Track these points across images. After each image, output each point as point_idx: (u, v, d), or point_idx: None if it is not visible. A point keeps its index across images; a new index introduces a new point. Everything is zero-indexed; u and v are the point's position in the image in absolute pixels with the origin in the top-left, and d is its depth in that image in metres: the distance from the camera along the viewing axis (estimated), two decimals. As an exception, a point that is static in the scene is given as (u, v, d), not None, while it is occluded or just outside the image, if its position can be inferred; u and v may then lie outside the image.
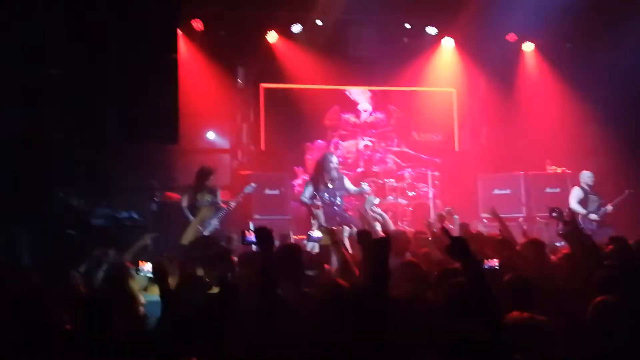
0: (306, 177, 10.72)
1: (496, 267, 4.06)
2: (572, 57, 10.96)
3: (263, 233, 3.32)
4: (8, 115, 8.20)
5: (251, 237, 3.59)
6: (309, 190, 7.86)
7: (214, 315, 2.94)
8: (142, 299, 4.22)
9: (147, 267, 3.95)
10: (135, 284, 4.28)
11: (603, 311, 3.14)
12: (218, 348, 2.86)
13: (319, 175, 7.88)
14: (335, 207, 7.78)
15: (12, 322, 2.97)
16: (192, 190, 7.94)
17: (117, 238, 7.57)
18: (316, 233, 4.10)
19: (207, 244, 5.29)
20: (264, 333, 2.93)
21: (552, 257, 4.93)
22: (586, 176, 9.07)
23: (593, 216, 8.84)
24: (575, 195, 9.02)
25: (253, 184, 8.24)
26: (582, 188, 9.04)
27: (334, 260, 4.29)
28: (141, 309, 4.10)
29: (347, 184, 8.07)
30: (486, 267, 4.11)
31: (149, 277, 4.04)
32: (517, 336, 2.85)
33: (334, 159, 8.00)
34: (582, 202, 8.94)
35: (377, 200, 8.03)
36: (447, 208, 7.76)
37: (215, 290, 4.16)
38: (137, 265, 4.06)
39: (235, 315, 3.04)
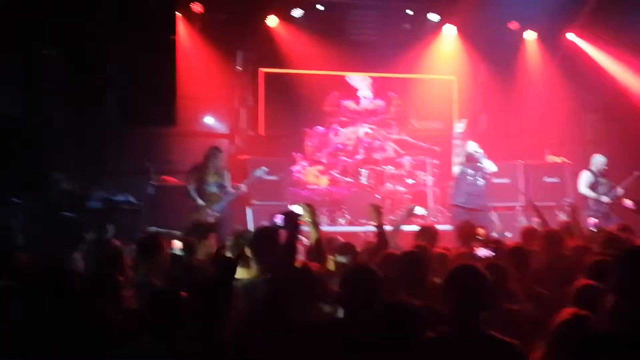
0: (305, 163, 10.67)
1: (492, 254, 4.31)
2: (573, 46, 10.88)
3: (292, 217, 3.77)
4: (6, 94, 8.15)
5: (279, 219, 3.89)
6: None
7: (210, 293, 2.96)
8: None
9: (177, 244, 4.30)
10: None
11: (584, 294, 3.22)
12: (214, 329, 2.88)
13: None
14: None
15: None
16: (200, 172, 7.70)
17: (114, 221, 7.56)
18: (295, 207, 4.09)
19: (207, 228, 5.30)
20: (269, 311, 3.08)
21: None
22: (599, 161, 8.91)
23: (605, 198, 8.74)
24: (584, 179, 8.89)
25: (264, 168, 8.01)
26: (591, 171, 8.95)
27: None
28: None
29: None
30: (480, 254, 4.22)
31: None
32: None
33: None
34: (592, 186, 8.85)
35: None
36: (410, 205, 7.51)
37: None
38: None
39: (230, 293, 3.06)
